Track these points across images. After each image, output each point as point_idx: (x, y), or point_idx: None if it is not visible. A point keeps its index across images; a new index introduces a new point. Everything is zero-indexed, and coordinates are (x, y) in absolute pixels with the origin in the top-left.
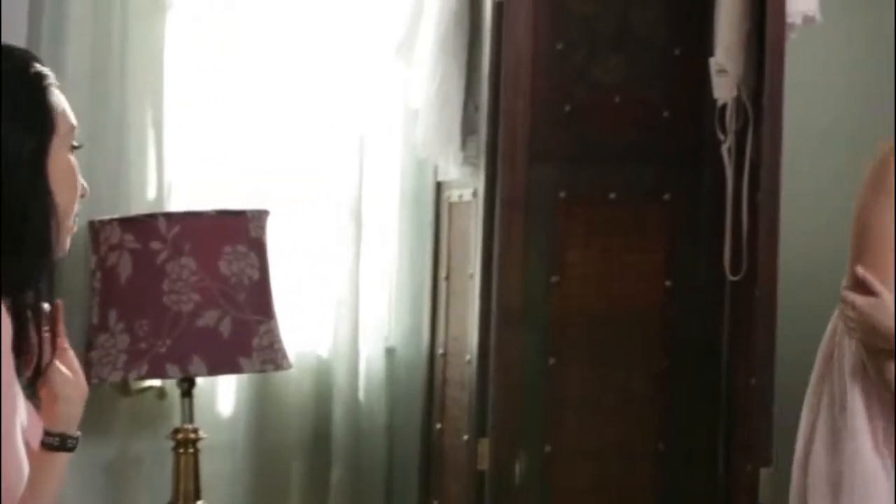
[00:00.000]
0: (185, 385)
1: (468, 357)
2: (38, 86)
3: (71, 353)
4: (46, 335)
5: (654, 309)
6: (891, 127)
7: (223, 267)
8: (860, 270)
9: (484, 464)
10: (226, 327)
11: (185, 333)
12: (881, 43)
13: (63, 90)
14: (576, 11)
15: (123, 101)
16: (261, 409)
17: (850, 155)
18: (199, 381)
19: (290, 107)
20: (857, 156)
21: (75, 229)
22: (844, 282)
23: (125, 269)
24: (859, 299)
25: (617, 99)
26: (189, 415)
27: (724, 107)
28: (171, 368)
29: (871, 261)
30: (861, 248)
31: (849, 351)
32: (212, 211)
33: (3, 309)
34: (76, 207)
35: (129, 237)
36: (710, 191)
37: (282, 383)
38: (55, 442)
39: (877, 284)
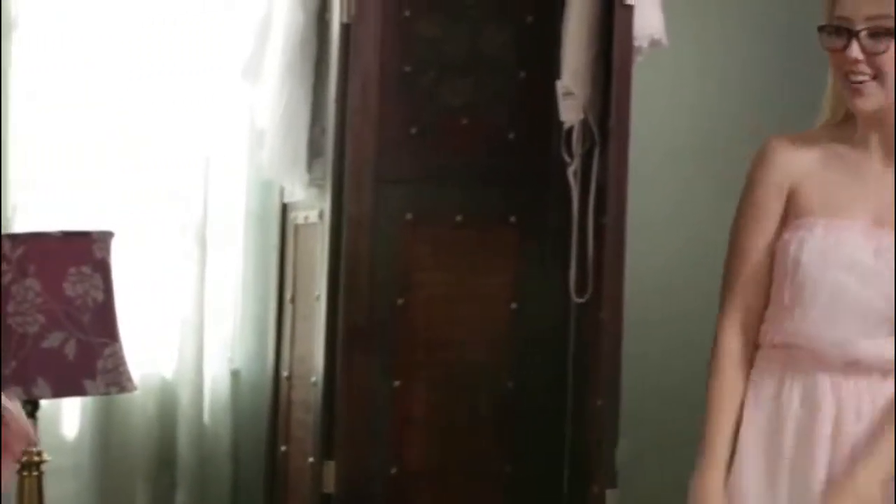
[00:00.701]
0: (30, 407)
1: (314, 379)
2: None
3: None
4: None
5: (500, 331)
6: (737, 150)
7: (68, 289)
8: None
9: (329, 486)
10: (71, 349)
11: (29, 355)
12: (726, 66)
13: None
14: (423, 34)
15: None
16: (105, 431)
17: (696, 178)
18: (44, 403)
19: (135, 127)
20: (702, 180)
21: None
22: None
23: None
24: None
25: (464, 121)
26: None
27: (570, 130)
28: (16, 391)
29: (726, 282)
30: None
31: None
32: (57, 232)
33: None
34: None
35: None
36: (557, 213)
37: (126, 405)
38: None
39: None
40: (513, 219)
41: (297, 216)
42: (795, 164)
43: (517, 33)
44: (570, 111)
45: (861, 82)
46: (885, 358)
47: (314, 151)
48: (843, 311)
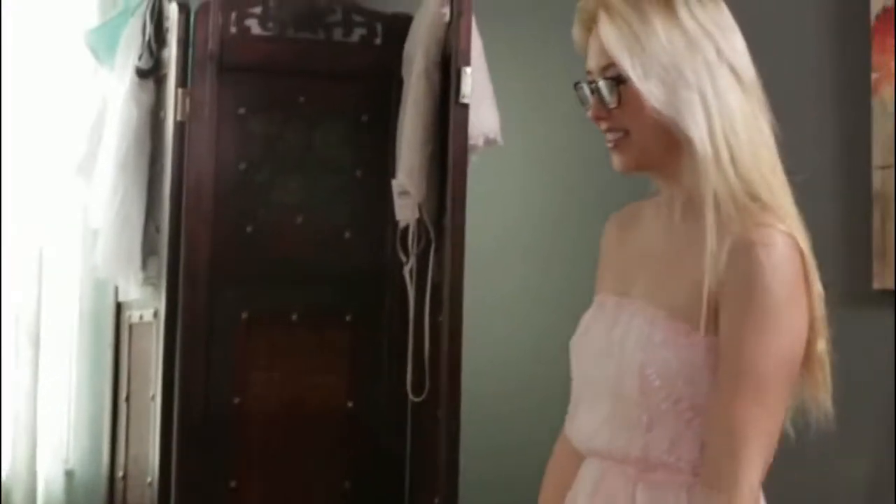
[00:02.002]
0: None
1: (149, 479)
2: None
3: None
4: None
5: (337, 430)
6: (572, 246)
7: None
8: None
9: None
10: None
11: None
12: (557, 163)
13: None
14: (259, 132)
15: None
16: None
17: (531, 274)
18: None
19: None
20: (538, 276)
21: None
22: None
23: None
24: None
25: (299, 219)
26: None
27: (406, 228)
28: None
29: None
30: None
31: None
32: None
33: None
34: None
35: None
36: (393, 312)
37: None
38: None
39: None
40: (349, 317)
41: (132, 315)
42: (610, 244)
43: (352, 131)
44: (406, 210)
45: (613, 140)
46: (636, 452)
47: (149, 249)
48: (589, 398)
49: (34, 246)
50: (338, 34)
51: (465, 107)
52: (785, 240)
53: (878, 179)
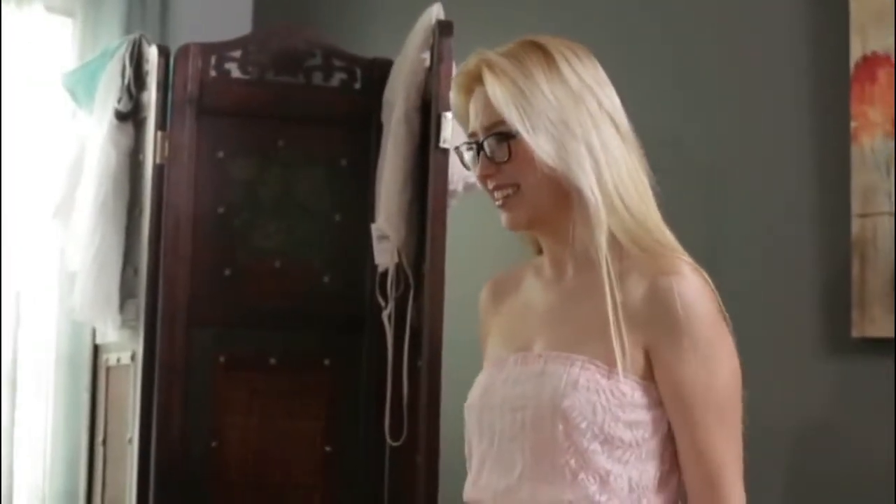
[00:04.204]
0: None
1: None
2: None
3: None
4: None
5: (315, 475)
6: None
7: None
8: None
9: None
10: None
11: None
12: None
13: None
14: (237, 175)
15: None
16: None
17: None
18: None
19: None
20: None
21: None
22: None
23: None
24: None
25: (277, 264)
26: None
27: (385, 273)
28: None
29: None
30: None
31: None
32: None
33: None
34: None
35: None
36: (371, 357)
37: None
38: None
39: None
40: (327, 362)
41: (110, 358)
42: (487, 312)
43: (331, 176)
44: (385, 255)
45: (502, 198)
46: (567, 497)
47: (126, 292)
48: (494, 458)
49: (11, 288)
50: (317, 78)
51: (445, 152)
52: (696, 272)
53: (857, 227)
